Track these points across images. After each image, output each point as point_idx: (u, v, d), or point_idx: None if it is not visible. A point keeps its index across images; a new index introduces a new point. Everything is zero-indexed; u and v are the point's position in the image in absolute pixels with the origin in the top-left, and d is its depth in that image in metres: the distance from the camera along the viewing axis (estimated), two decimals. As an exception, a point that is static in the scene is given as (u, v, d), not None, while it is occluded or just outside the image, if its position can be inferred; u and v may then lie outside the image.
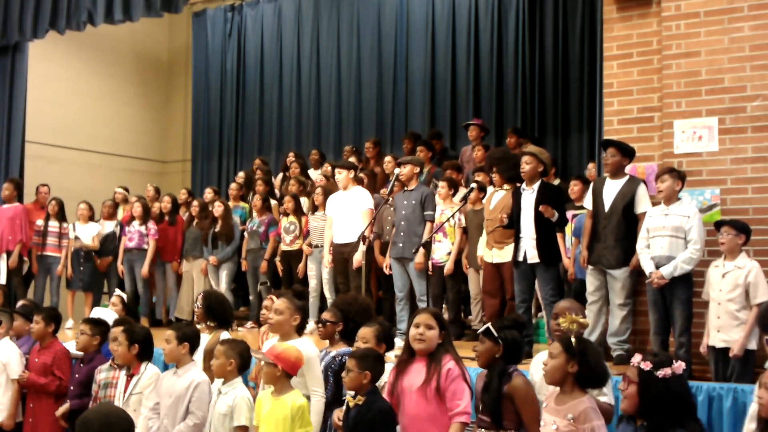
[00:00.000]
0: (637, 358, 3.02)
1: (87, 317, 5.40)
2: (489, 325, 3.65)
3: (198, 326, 4.98)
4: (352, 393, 3.72)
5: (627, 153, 5.52)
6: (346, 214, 6.87)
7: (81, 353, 5.31)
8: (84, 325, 5.23)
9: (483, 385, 3.61)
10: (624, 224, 5.38)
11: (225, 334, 4.79)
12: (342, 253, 6.93)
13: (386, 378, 3.91)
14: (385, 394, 3.74)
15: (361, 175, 7.70)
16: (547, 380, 3.37)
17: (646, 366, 2.94)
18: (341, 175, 7.01)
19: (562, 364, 3.26)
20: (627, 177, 5.51)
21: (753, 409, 3.42)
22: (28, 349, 5.61)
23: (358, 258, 6.67)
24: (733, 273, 4.88)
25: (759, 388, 3.07)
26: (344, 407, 3.79)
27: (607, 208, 5.46)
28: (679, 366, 2.95)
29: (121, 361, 4.66)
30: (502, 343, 3.56)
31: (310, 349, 4.12)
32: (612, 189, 5.49)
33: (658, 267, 5.08)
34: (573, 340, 3.29)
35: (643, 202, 5.38)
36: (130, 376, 4.62)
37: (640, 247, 5.23)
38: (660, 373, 2.92)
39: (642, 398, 2.91)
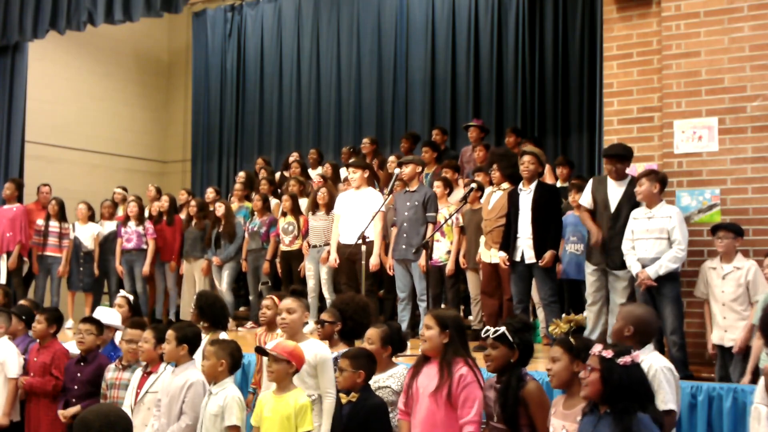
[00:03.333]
0: (597, 348, 3.09)
1: (87, 316, 5.36)
2: (503, 329, 3.58)
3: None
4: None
5: (627, 158, 5.52)
6: (355, 214, 6.73)
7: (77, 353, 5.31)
8: (88, 324, 5.21)
9: (498, 391, 3.50)
10: None
11: (223, 335, 4.79)
12: (348, 253, 6.86)
13: (386, 383, 3.92)
14: (401, 395, 3.73)
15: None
16: (553, 384, 3.35)
17: (608, 354, 3.02)
18: (356, 175, 6.92)
19: (566, 365, 3.26)
20: (629, 178, 5.50)
21: (766, 411, 3.39)
22: (24, 348, 5.62)
23: (374, 262, 6.63)
24: (733, 274, 4.93)
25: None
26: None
27: (612, 209, 5.43)
28: (637, 355, 3.06)
29: (146, 359, 4.65)
30: (518, 347, 3.48)
31: (325, 351, 4.09)
32: (616, 191, 5.45)
33: (644, 268, 5.09)
34: (572, 339, 3.28)
35: None
36: (148, 374, 4.61)
37: (626, 248, 5.22)
38: (621, 360, 2.99)
39: (605, 384, 2.98)
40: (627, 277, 5.35)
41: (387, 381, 3.92)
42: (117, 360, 4.97)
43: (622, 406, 2.94)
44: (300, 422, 3.67)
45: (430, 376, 3.55)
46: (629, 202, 5.38)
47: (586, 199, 5.64)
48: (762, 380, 3.45)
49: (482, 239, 6.37)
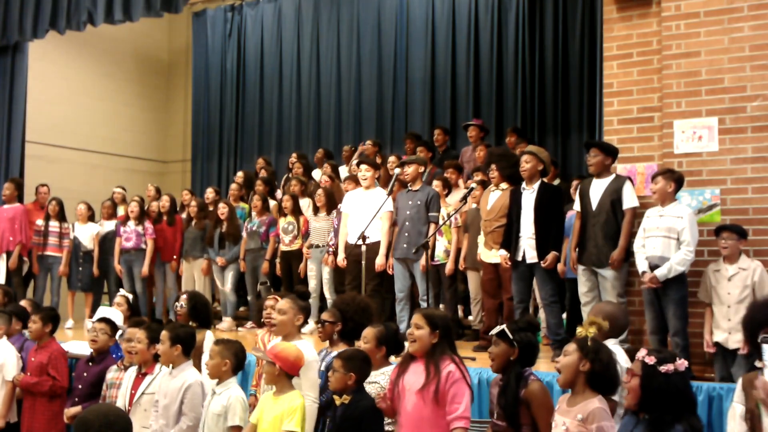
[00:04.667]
0: (642, 353, 3.06)
1: (103, 317, 5.35)
2: (504, 327, 3.60)
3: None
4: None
5: (609, 152, 5.54)
6: (364, 213, 6.68)
7: (81, 353, 5.31)
8: (102, 324, 5.21)
9: (499, 389, 3.55)
10: (613, 222, 5.39)
11: (209, 334, 4.84)
12: (355, 253, 6.84)
13: (375, 379, 3.93)
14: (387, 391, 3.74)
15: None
16: (559, 380, 3.37)
17: (651, 360, 2.99)
18: (369, 174, 6.91)
19: (574, 362, 3.26)
20: (613, 176, 5.53)
21: (741, 410, 3.43)
22: (18, 347, 5.62)
23: (380, 262, 6.64)
24: (739, 275, 4.94)
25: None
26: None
27: (594, 206, 5.48)
28: (682, 363, 3.01)
29: (139, 361, 4.65)
30: (517, 345, 3.52)
31: (309, 352, 4.10)
32: (598, 188, 5.51)
33: (651, 267, 5.10)
34: (589, 340, 3.30)
35: (629, 199, 5.39)
36: (142, 375, 4.61)
37: (636, 247, 5.25)
38: (663, 368, 2.96)
39: (644, 391, 2.96)
40: (613, 276, 5.36)
41: (377, 378, 3.94)
42: (120, 361, 4.98)
43: (657, 416, 2.91)
44: (286, 420, 3.67)
45: (417, 373, 3.56)
46: (610, 198, 5.41)
47: (576, 203, 5.68)
48: (740, 381, 3.50)
49: (480, 239, 6.37)
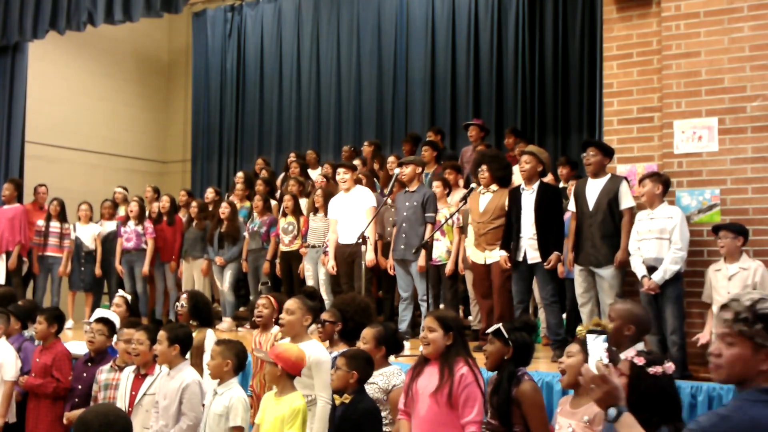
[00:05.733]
0: (631, 353, 3.05)
1: (101, 317, 5.35)
2: (500, 326, 3.61)
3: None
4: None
5: (607, 152, 5.54)
6: (350, 214, 6.77)
7: (82, 353, 5.31)
8: (100, 325, 5.21)
9: (492, 388, 3.56)
10: (609, 221, 5.39)
11: (210, 332, 4.85)
12: (347, 254, 6.87)
13: (373, 380, 3.92)
14: (401, 396, 3.73)
15: (360, 175, 7.68)
16: (563, 381, 3.36)
17: (640, 361, 2.97)
18: (347, 176, 6.95)
19: (579, 363, 3.26)
20: (609, 175, 5.53)
21: None
22: (17, 347, 5.61)
23: (370, 258, 6.66)
24: (739, 275, 4.94)
25: None
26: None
27: (591, 206, 5.48)
28: (670, 366, 2.99)
29: (140, 362, 4.65)
30: (512, 344, 3.53)
31: (322, 353, 4.09)
32: (595, 188, 5.51)
33: (647, 268, 5.12)
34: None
35: (626, 199, 5.39)
36: (142, 376, 4.61)
37: (632, 250, 5.26)
38: (652, 369, 2.94)
39: (632, 392, 2.93)
40: (611, 276, 5.36)
41: (375, 378, 3.94)
42: (112, 361, 4.97)
43: (644, 417, 2.91)
44: (288, 426, 3.66)
45: (430, 376, 3.55)
46: (607, 198, 5.41)
47: (571, 203, 5.68)
48: None
49: (467, 240, 6.35)
